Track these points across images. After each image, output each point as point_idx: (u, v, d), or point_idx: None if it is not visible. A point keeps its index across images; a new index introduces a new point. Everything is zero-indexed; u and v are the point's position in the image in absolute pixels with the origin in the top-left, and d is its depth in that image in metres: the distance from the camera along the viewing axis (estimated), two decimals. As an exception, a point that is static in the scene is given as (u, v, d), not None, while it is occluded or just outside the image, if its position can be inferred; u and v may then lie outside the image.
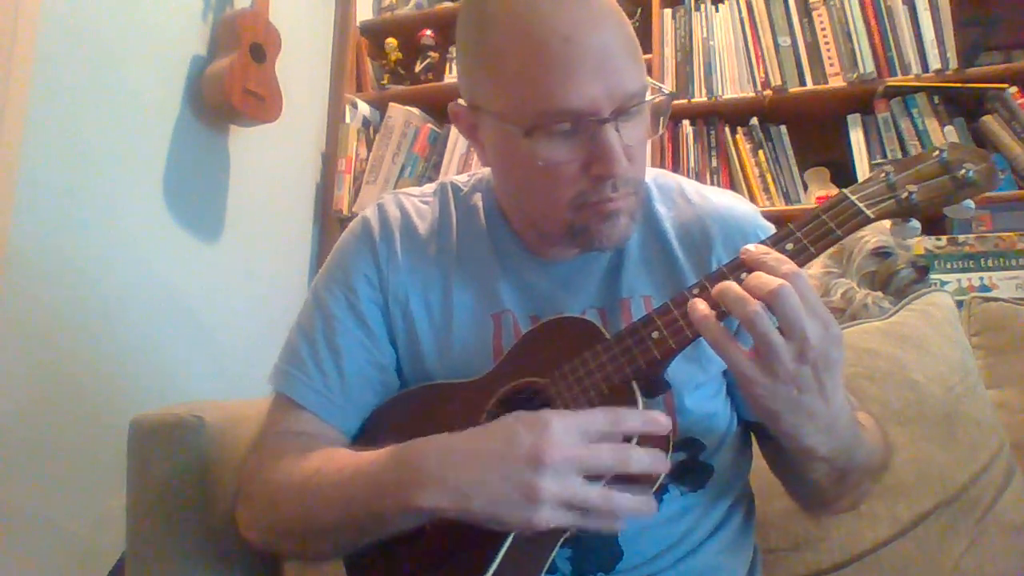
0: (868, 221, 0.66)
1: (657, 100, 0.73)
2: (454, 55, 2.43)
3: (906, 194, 0.66)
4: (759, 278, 0.61)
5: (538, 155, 0.70)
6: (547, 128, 0.69)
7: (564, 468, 0.59)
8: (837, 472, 0.71)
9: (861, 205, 0.66)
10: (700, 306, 0.62)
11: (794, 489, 0.84)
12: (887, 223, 0.69)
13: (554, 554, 0.69)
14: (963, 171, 0.66)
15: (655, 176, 0.88)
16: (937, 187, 0.67)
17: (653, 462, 0.63)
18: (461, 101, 0.79)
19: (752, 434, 0.87)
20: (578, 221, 0.73)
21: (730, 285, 0.61)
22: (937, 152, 0.68)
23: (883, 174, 0.68)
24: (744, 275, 0.63)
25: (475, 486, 0.61)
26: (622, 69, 0.68)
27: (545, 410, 0.63)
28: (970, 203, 0.67)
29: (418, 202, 0.89)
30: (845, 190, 0.68)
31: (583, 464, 0.60)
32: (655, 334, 0.67)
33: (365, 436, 0.82)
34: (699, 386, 0.79)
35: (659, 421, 0.63)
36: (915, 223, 0.68)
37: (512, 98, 0.70)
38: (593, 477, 0.61)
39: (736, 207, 0.85)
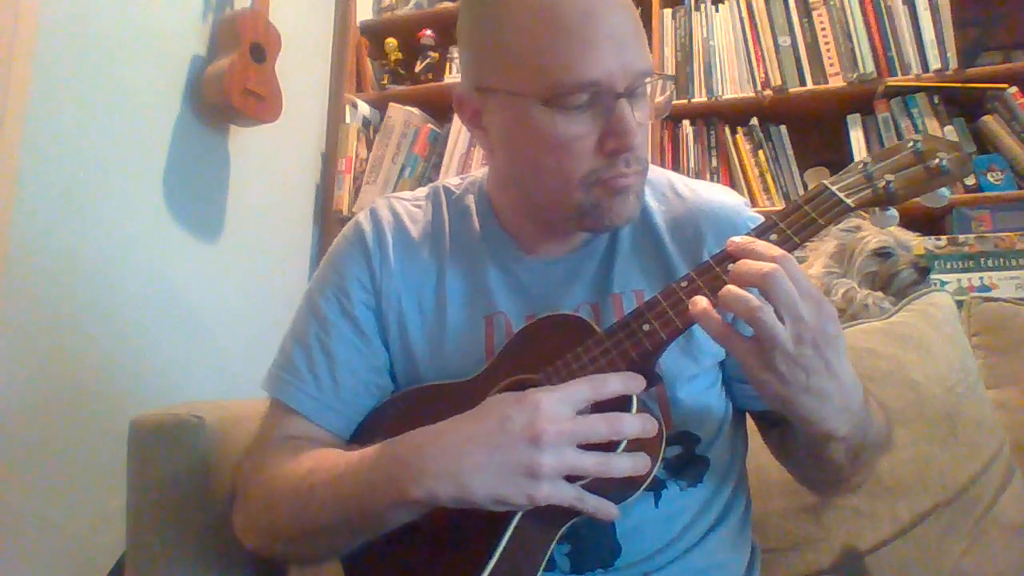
0: (849, 209, 0.68)
1: (666, 91, 0.76)
2: (454, 55, 2.44)
3: (883, 183, 0.68)
4: (749, 264, 0.62)
5: (556, 128, 0.71)
6: (563, 102, 0.70)
7: (561, 442, 0.62)
8: (853, 451, 0.72)
9: (841, 195, 0.68)
10: (700, 302, 0.63)
11: (807, 472, 0.84)
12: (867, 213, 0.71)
13: (552, 549, 0.69)
14: (937, 161, 0.68)
15: None
16: (912, 176, 0.69)
17: (644, 427, 0.65)
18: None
19: (756, 423, 0.88)
20: (588, 199, 0.74)
21: (729, 288, 0.62)
22: (912, 143, 0.71)
23: (861, 165, 0.71)
24: (731, 266, 0.63)
25: (474, 471, 0.62)
26: (634, 48, 0.71)
27: (530, 389, 0.65)
28: (944, 191, 0.69)
29: (410, 206, 0.90)
30: (825, 181, 0.70)
31: (578, 435, 0.62)
32: (646, 327, 0.68)
33: (360, 439, 0.81)
34: (692, 378, 0.79)
35: (637, 378, 0.66)
36: (893, 211, 0.70)
37: (529, 71, 0.71)
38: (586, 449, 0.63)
39: (726, 200, 0.86)
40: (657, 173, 0.90)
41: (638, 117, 0.72)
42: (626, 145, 0.71)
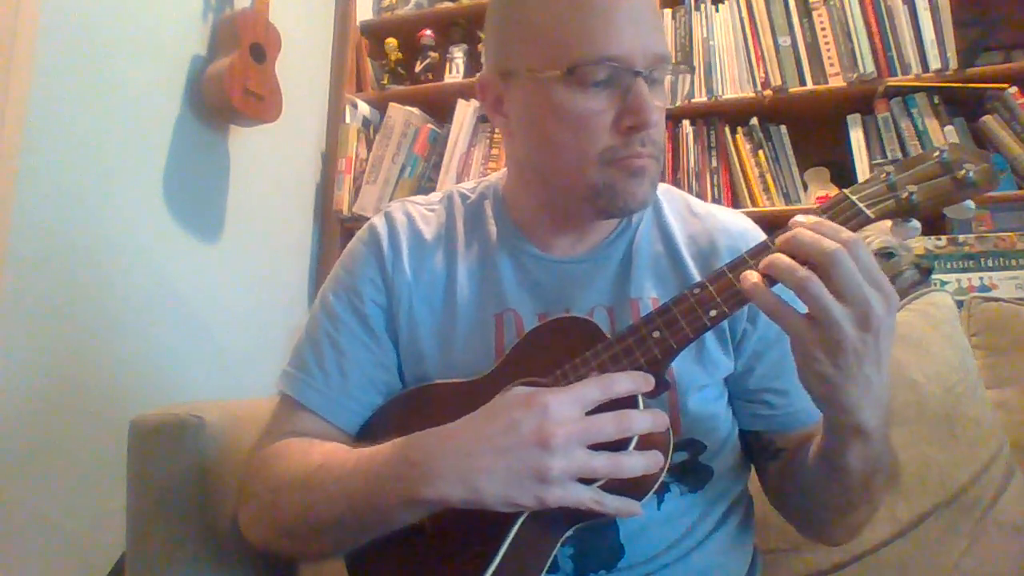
0: (868, 221, 0.66)
1: (677, 92, 0.77)
2: (454, 55, 2.44)
3: (906, 194, 0.67)
4: (810, 235, 0.60)
5: (575, 103, 0.72)
6: (582, 77, 0.71)
7: (570, 444, 0.61)
8: (871, 462, 0.69)
9: (861, 205, 0.67)
10: (751, 276, 0.62)
11: (814, 499, 0.78)
12: (888, 223, 0.69)
13: (555, 551, 0.69)
14: (963, 171, 0.67)
15: (663, 190, 0.90)
16: (937, 187, 0.67)
17: (655, 422, 0.65)
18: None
19: (752, 455, 0.87)
20: (603, 179, 0.75)
21: (779, 256, 0.61)
22: (937, 153, 0.69)
23: (883, 174, 0.69)
24: (763, 260, 0.63)
25: (484, 475, 0.62)
26: (653, 31, 0.74)
27: (538, 389, 0.65)
28: (970, 203, 0.68)
29: (424, 210, 0.91)
30: (845, 190, 0.68)
31: (587, 436, 0.62)
32: (656, 334, 0.67)
33: (366, 437, 0.82)
34: (702, 388, 0.80)
35: (646, 377, 0.66)
36: (915, 223, 0.68)
37: (550, 47, 0.73)
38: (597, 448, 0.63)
39: (740, 223, 0.87)
40: (674, 193, 0.91)
41: (655, 101, 0.73)
42: (642, 122, 0.72)
